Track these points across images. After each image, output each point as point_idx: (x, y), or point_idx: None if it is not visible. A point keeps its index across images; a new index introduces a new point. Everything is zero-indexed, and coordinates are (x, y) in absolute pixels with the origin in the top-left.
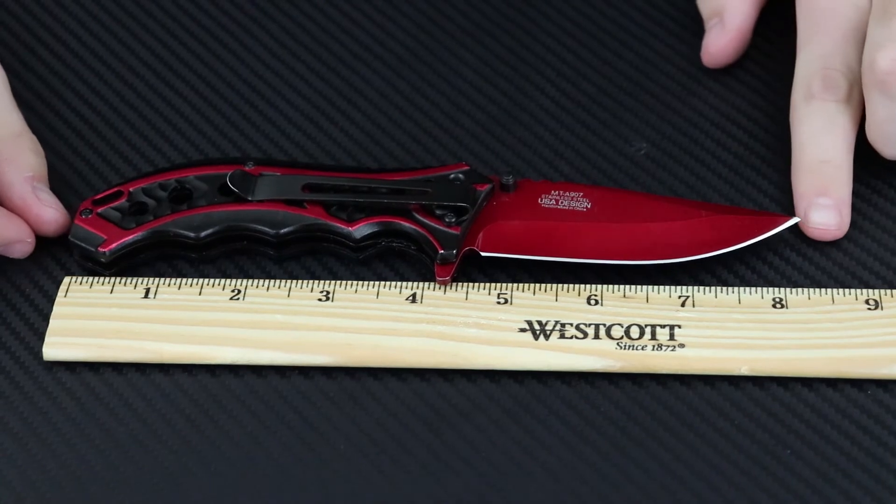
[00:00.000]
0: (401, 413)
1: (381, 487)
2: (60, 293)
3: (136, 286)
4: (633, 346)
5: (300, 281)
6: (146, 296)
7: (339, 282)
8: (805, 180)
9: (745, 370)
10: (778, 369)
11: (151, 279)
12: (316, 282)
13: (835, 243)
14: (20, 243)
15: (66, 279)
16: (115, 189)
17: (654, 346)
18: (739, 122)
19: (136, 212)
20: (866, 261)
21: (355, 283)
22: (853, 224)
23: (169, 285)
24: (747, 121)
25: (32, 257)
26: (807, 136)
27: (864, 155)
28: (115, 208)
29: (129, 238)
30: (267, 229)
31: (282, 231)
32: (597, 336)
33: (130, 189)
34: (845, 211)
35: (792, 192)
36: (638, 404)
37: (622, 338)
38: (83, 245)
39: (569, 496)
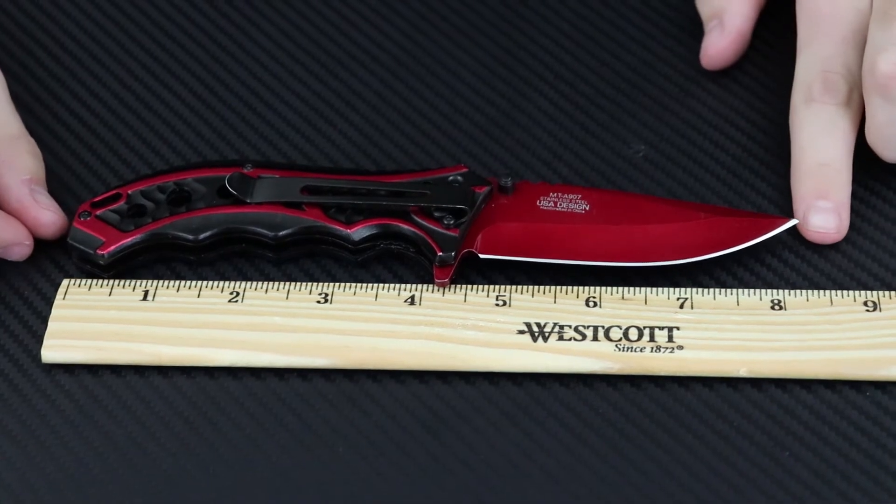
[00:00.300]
0: (399, 415)
1: (379, 489)
2: (59, 295)
3: (134, 288)
4: (632, 347)
5: (299, 283)
6: (145, 298)
7: (337, 284)
8: (804, 183)
9: (743, 372)
10: (776, 371)
11: (150, 281)
12: (314, 284)
13: (833, 245)
14: (18, 246)
15: (65, 281)
16: (114, 192)
17: (652, 348)
18: (738, 124)
19: (135, 214)
20: (865, 263)
21: (354, 285)
22: (852, 226)
23: (167, 287)
24: (746, 123)
25: (31, 260)
26: (806, 139)
27: (864, 158)
28: (113, 211)
29: (128, 240)
30: (265, 231)
31: (280, 233)
32: (595, 338)
33: (129, 191)
34: (844, 214)
35: (790, 195)
36: (636, 406)
37: (620, 340)
38: (82, 247)
39: (567, 498)
